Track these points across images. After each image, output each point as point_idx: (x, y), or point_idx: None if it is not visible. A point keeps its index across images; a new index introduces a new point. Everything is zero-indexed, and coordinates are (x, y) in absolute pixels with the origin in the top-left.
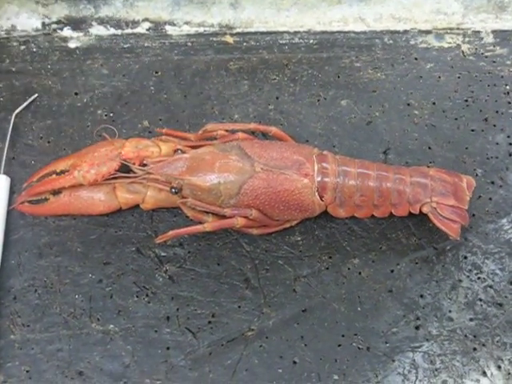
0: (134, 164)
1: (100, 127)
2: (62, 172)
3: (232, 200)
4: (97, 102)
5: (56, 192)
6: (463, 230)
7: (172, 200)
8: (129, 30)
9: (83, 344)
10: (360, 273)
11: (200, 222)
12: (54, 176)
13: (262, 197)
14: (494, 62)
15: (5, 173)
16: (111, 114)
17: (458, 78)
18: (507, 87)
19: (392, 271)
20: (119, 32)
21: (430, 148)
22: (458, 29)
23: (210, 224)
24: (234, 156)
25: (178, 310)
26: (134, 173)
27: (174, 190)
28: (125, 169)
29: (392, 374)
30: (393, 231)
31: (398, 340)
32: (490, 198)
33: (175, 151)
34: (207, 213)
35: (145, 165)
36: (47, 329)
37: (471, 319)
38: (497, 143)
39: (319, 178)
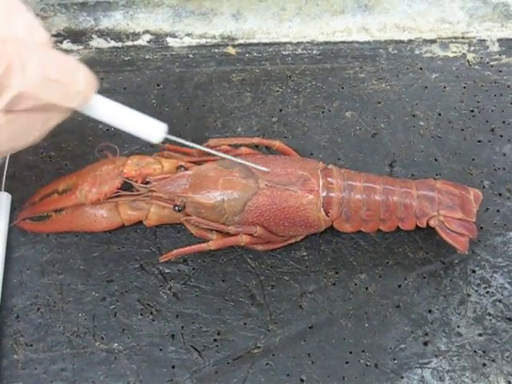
0: (136, 182)
1: (101, 145)
2: (64, 191)
3: (236, 217)
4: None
5: (58, 209)
6: (471, 244)
7: (175, 216)
8: (129, 43)
9: (87, 363)
10: (367, 288)
11: (204, 239)
12: (55, 195)
13: (267, 214)
14: (500, 71)
15: (5, 189)
16: (112, 129)
17: (464, 87)
18: None
19: (399, 286)
20: (120, 44)
21: (436, 160)
22: (463, 38)
23: (214, 242)
24: (237, 172)
25: (182, 327)
26: (137, 191)
27: (177, 208)
28: (127, 186)
29: None
30: (399, 245)
31: (406, 356)
32: (498, 211)
33: (178, 168)
34: (211, 230)
35: (147, 182)
36: (50, 348)
37: (480, 334)
38: (504, 154)
39: (324, 194)
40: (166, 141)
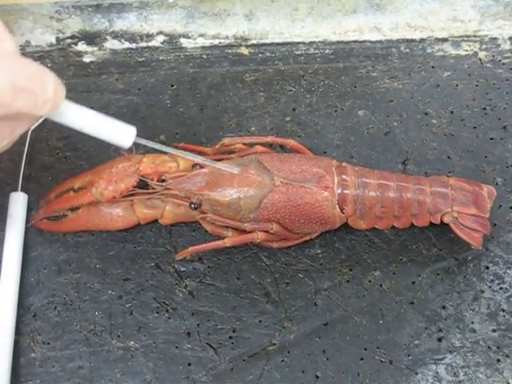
0: (152, 180)
1: None
2: (80, 189)
3: (252, 214)
4: (113, 117)
5: (74, 208)
6: (484, 240)
7: (191, 214)
8: (143, 44)
9: (104, 361)
10: (381, 285)
11: (219, 237)
12: (71, 193)
13: (282, 211)
14: None
15: (22, 190)
16: None
17: (476, 85)
18: None
19: (413, 283)
20: (134, 46)
21: (449, 157)
22: (474, 36)
23: (230, 239)
24: (253, 170)
25: (198, 325)
26: (153, 188)
27: (193, 206)
28: (143, 184)
29: None
30: (413, 242)
31: (420, 352)
32: (511, 207)
33: (193, 166)
34: (227, 227)
35: (163, 180)
36: (67, 346)
37: (494, 330)
38: None
39: (339, 191)
40: (134, 145)
